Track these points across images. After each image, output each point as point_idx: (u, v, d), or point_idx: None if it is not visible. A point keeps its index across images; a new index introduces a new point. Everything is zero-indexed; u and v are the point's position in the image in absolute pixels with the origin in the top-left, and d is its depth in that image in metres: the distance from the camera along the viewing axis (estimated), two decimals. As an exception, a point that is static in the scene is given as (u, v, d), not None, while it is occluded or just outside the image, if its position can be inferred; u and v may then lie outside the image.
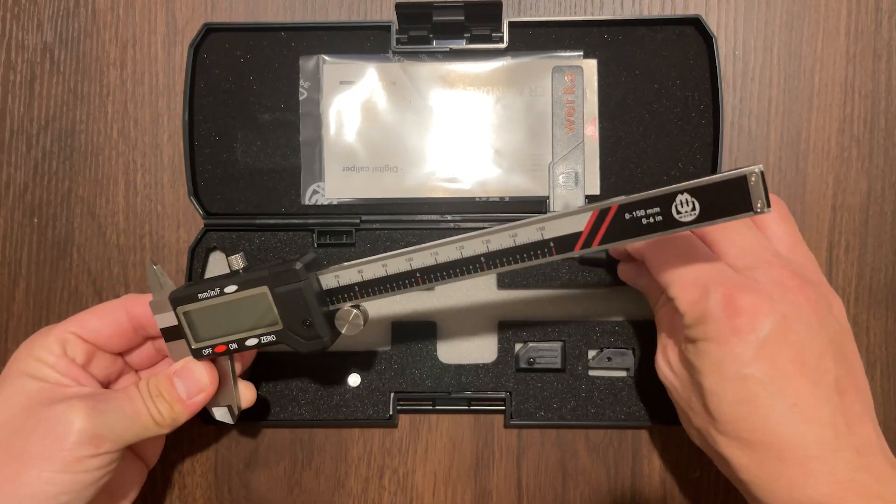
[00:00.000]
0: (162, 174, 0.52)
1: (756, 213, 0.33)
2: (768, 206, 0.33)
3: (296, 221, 0.49)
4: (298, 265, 0.39)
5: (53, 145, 0.52)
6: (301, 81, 0.50)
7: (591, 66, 0.49)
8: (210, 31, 0.49)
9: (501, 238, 0.37)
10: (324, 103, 0.50)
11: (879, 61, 0.50)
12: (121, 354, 0.45)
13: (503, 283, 0.50)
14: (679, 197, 0.34)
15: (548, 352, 0.49)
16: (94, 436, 0.38)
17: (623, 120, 0.49)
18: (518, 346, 0.49)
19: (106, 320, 0.43)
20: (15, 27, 0.52)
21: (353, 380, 0.50)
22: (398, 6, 0.47)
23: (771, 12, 0.51)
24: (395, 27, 0.49)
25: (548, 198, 0.49)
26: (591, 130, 0.49)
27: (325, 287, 0.41)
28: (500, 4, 0.47)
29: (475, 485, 0.51)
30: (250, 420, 0.49)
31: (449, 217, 0.49)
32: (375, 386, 0.49)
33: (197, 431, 0.51)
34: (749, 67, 0.51)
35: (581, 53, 0.49)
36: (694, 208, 0.34)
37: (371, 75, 0.50)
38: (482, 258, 0.38)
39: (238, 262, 0.41)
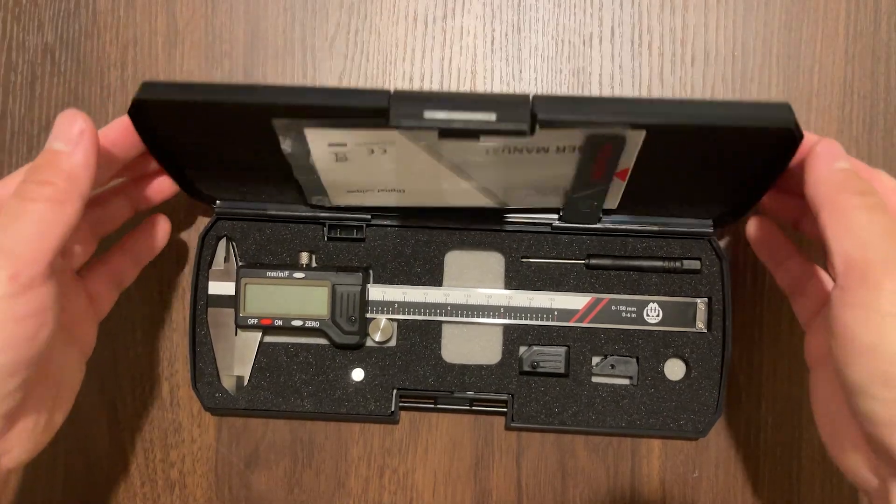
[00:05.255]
0: (163, 174, 0.52)
1: (696, 331, 0.48)
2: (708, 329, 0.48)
3: (307, 214, 0.49)
4: (362, 273, 0.48)
5: (54, 146, 0.52)
6: (281, 140, 0.39)
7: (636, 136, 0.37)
8: None
9: (521, 297, 0.48)
10: (314, 158, 0.41)
11: (878, 62, 0.51)
12: None
13: (510, 285, 0.49)
14: (650, 304, 0.48)
15: (552, 356, 0.49)
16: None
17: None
18: (522, 349, 0.49)
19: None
20: (16, 28, 0.52)
21: (357, 374, 0.50)
22: (395, 95, 0.35)
23: (770, 13, 0.51)
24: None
25: (560, 210, 0.48)
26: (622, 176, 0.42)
27: (371, 298, 0.48)
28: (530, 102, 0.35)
29: (475, 484, 0.51)
30: (252, 410, 0.50)
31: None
32: (378, 382, 0.49)
33: (197, 431, 0.51)
34: (748, 68, 0.51)
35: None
36: (658, 314, 0.48)
37: (365, 138, 0.39)
38: (502, 308, 0.49)
39: (305, 258, 0.49)
